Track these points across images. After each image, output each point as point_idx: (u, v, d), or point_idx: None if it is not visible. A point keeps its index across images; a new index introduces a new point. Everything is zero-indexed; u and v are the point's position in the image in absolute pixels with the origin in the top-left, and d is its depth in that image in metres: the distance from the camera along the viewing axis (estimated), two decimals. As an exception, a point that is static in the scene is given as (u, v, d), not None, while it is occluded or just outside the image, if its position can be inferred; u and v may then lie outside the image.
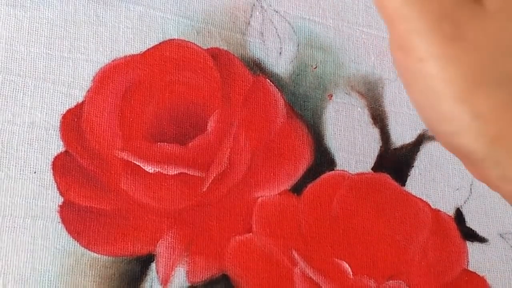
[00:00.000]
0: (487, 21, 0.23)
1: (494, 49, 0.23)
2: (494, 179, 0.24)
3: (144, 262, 0.32)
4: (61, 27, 0.34)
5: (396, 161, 0.38)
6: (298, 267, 0.34)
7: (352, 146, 0.37)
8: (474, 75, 0.22)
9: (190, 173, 0.34)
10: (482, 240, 0.37)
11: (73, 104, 0.33)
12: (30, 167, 0.32)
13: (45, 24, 0.34)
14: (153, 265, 0.32)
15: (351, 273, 0.34)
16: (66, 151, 0.33)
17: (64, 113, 0.33)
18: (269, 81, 0.37)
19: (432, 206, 0.38)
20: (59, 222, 0.32)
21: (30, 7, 0.34)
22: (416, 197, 0.37)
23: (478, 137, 0.23)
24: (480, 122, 0.23)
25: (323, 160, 0.36)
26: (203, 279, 0.33)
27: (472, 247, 0.37)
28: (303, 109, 0.37)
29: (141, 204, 0.33)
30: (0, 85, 0.33)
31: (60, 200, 0.32)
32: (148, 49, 0.35)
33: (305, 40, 0.39)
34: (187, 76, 0.35)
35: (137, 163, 0.33)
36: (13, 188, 0.31)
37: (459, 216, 0.38)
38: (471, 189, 0.39)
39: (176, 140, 0.34)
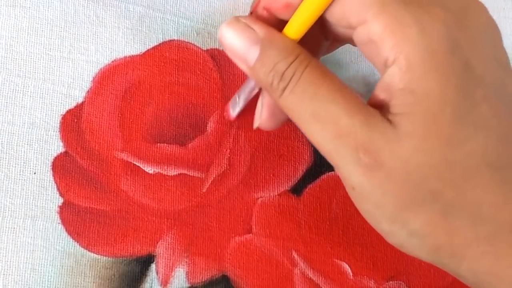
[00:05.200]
0: (401, 144, 0.24)
1: (411, 171, 0.24)
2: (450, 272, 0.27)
3: (144, 263, 0.32)
4: (61, 27, 0.34)
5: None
6: (298, 268, 0.34)
7: (352, 147, 0.37)
8: (397, 199, 0.24)
9: (190, 174, 0.34)
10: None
11: (73, 104, 0.33)
12: (30, 168, 0.32)
13: (45, 24, 0.34)
14: (153, 266, 0.32)
15: (351, 273, 0.34)
16: (65, 152, 0.33)
17: (64, 113, 0.33)
18: (268, 82, 0.37)
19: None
20: (59, 223, 0.31)
21: (30, 7, 0.34)
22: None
23: (420, 249, 0.26)
24: (416, 238, 0.25)
25: (322, 161, 0.36)
26: (203, 280, 0.33)
27: (472, 248, 0.37)
28: (303, 110, 0.37)
29: (141, 205, 0.33)
30: (0, 86, 0.32)
31: (60, 200, 0.32)
32: (148, 50, 0.35)
33: (304, 41, 0.39)
34: (186, 77, 0.35)
35: (137, 163, 0.33)
36: (12, 189, 0.31)
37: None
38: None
39: (175, 141, 0.34)
